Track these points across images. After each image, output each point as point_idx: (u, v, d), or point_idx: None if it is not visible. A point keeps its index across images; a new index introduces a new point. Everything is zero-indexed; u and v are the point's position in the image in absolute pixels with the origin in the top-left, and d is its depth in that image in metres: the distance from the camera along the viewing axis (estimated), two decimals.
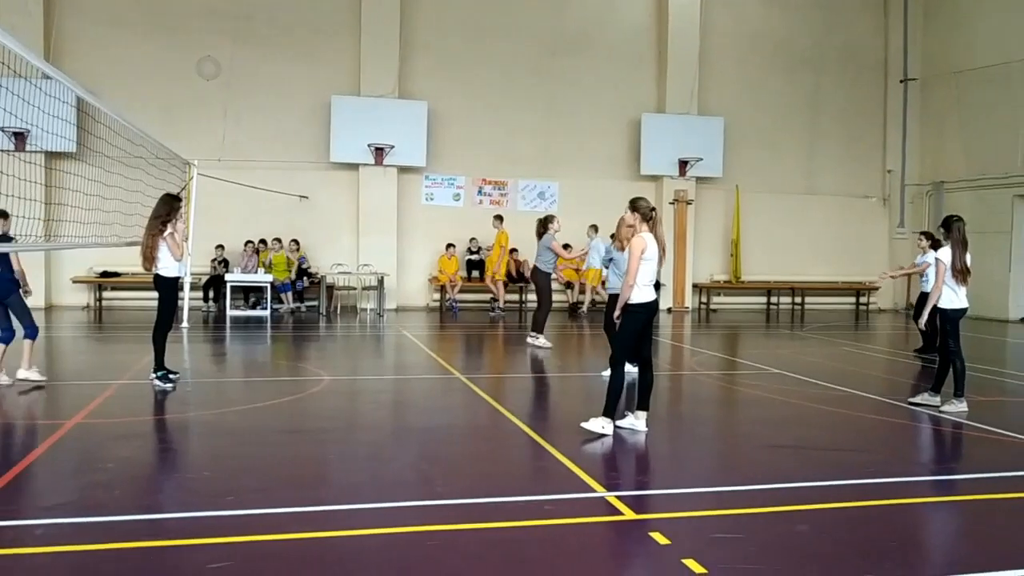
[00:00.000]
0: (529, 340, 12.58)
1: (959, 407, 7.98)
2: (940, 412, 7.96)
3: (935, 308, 8.27)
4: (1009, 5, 19.39)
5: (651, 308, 6.84)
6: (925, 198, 21.39)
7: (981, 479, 5.87)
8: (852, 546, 4.46)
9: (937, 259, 8.20)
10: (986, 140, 19.93)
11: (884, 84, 22.06)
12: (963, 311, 8.24)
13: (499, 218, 17.60)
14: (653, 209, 6.90)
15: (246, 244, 17.55)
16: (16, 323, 8.49)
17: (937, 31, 21.55)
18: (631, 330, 6.80)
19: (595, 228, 17.28)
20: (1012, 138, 19.08)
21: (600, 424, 6.74)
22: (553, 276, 12.78)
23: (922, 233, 12.58)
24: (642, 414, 6.94)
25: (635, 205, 6.89)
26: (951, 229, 8.21)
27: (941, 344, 8.43)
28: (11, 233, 8.38)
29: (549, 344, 12.35)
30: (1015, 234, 19.20)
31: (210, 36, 18.13)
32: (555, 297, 17.48)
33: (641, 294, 6.73)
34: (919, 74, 21.70)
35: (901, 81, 21.65)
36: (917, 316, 12.17)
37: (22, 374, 8.52)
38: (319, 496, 5.09)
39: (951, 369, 8.20)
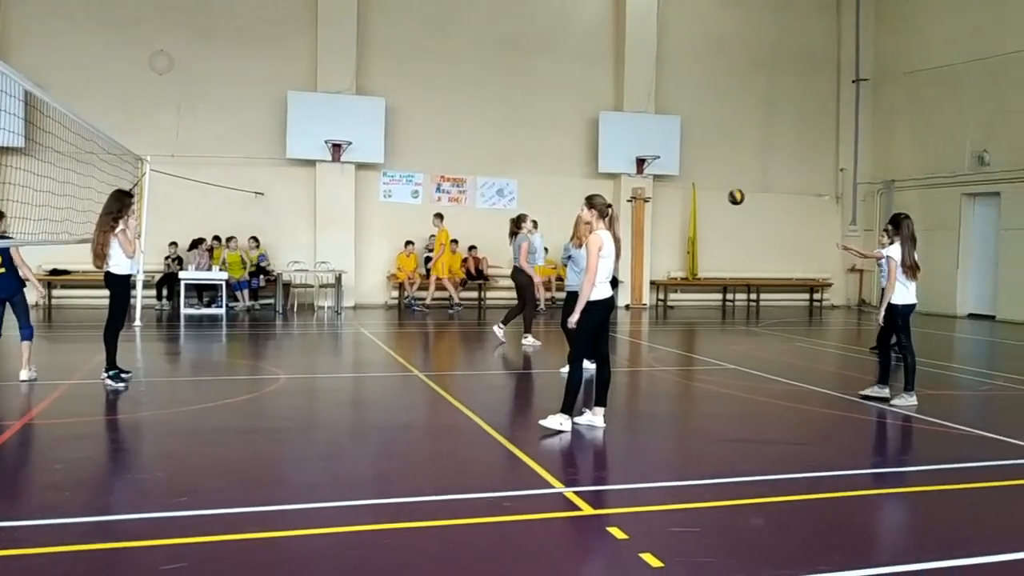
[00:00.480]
0: (495, 329, 12.59)
1: (909, 401, 8.15)
2: (891, 406, 8.12)
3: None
4: (955, 9, 19.83)
5: (608, 305, 6.87)
6: (876, 196, 21.80)
7: (930, 471, 6.01)
8: (805, 538, 4.54)
9: (888, 257, 8.37)
10: (935, 140, 20.36)
11: (837, 84, 22.43)
12: (913, 307, 8.44)
13: (439, 216, 17.59)
14: (609, 206, 6.94)
15: (197, 243, 17.23)
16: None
17: (888, 33, 21.97)
18: (588, 327, 6.84)
19: (535, 223, 17.17)
20: (959, 138, 19.52)
21: (558, 421, 6.76)
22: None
23: (885, 229, 12.72)
24: (600, 410, 6.99)
25: (591, 202, 6.93)
26: (900, 226, 8.41)
27: (887, 338, 8.62)
28: (9, 233, 8.41)
29: (539, 342, 12.32)
30: (963, 232, 19.65)
31: (163, 30, 17.83)
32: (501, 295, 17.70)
33: (598, 291, 6.76)
34: (871, 75, 22.11)
35: (853, 81, 22.03)
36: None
37: (24, 375, 8.51)
38: (275, 496, 5.04)
39: (903, 364, 8.39)
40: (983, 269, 19.33)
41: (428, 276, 18.45)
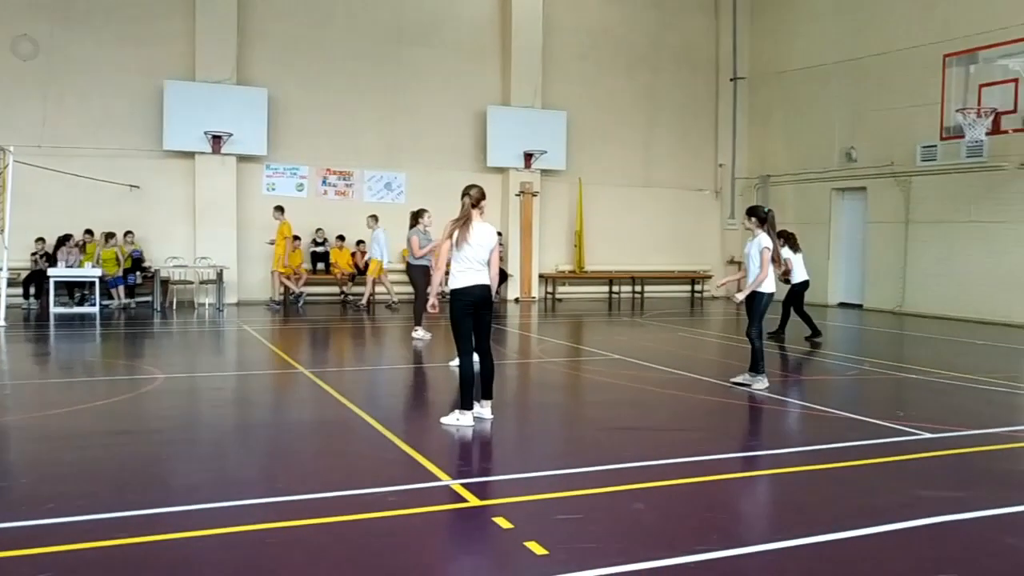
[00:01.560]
0: (414, 336, 12.37)
1: (764, 383, 8.55)
2: (755, 390, 8.48)
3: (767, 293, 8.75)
4: (825, 11, 20.76)
5: (470, 294, 6.85)
6: (753, 191, 22.63)
7: (802, 452, 6.30)
8: (684, 521, 4.69)
9: (764, 248, 8.67)
10: (806, 137, 21.31)
11: (716, 82, 23.17)
12: (772, 295, 8.83)
13: (280, 209, 17.21)
14: (466, 195, 6.95)
15: (64, 239, 16.34)
16: None
17: (763, 33, 22.83)
18: (455, 317, 6.90)
19: (375, 218, 17.10)
20: (829, 136, 20.49)
21: (455, 417, 6.79)
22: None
23: (779, 233, 12.80)
24: (486, 402, 7.03)
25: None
26: (767, 218, 8.74)
27: (749, 325, 8.98)
28: None
29: (428, 335, 12.26)
30: (833, 225, 20.63)
31: (26, 13, 16.81)
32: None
33: (455, 280, 6.84)
34: (747, 73, 22.96)
35: (731, 80, 22.85)
36: (796, 308, 12.86)
37: None
38: (151, 499, 4.86)
39: (753, 347, 8.75)
40: (851, 260, 20.35)
41: (328, 271, 18.29)
